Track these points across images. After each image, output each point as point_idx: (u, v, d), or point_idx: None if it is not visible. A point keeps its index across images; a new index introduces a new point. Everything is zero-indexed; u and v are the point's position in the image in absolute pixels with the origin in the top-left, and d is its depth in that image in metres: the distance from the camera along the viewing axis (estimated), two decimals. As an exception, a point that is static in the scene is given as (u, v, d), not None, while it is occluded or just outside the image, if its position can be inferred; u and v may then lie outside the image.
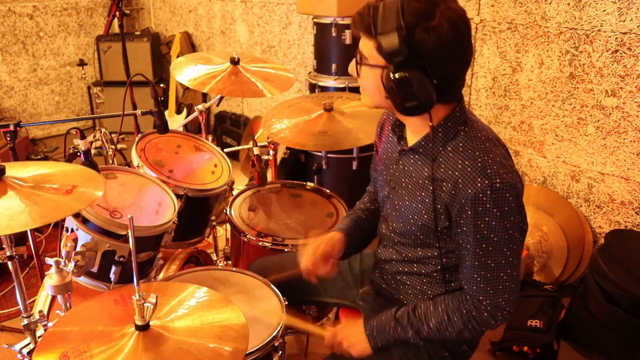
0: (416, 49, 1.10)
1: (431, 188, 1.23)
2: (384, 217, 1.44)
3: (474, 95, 2.87)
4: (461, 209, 1.18)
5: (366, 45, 1.19)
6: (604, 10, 2.28)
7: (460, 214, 1.18)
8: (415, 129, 1.28)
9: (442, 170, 1.21)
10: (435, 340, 1.31)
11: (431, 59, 1.12)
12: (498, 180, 1.14)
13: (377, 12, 1.13)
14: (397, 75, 1.13)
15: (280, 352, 1.39)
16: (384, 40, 1.12)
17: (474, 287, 1.23)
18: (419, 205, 1.27)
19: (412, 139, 1.30)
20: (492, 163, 1.16)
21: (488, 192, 1.14)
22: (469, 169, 1.17)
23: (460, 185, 1.17)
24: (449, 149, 1.21)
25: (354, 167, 2.97)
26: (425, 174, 1.25)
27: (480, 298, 1.23)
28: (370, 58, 1.19)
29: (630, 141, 2.32)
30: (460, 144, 1.21)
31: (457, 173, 1.18)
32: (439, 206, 1.22)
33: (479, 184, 1.14)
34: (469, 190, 1.15)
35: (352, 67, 1.27)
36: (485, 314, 1.24)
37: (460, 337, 1.29)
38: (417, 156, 1.29)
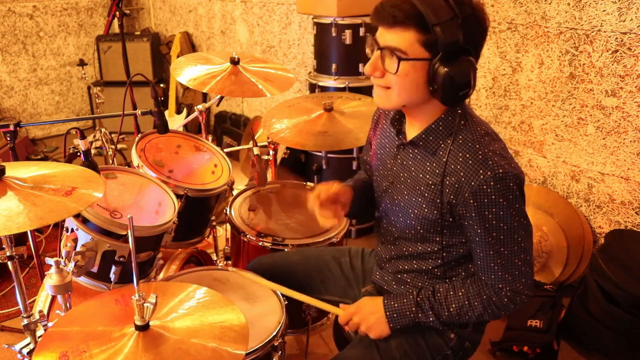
0: (468, 37, 1.11)
1: (431, 182, 1.24)
2: (383, 213, 1.43)
3: (474, 95, 2.87)
4: (466, 202, 1.18)
5: (403, 39, 1.12)
6: (604, 10, 2.28)
7: (466, 206, 1.19)
8: (418, 123, 1.27)
9: (443, 163, 1.22)
10: (455, 323, 1.32)
11: (475, 45, 1.15)
12: (500, 171, 1.15)
13: (421, 1, 1.08)
14: (454, 66, 1.10)
15: (280, 352, 1.39)
16: (441, 31, 1.07)
17: (492, 276, 1.25)
18: (419, 199, 1.27)
19: (411, 132, 1.30)
20: (492, 155, 1.17)
21: (491, 183, 1.14)
22: (470, 162, 1.17)
23: (463, 179, 1.18)
24: (449, 142, 1.22)
25: (354, 167, 2.97)
26: (427, 168, 1.26)
27: (500, 286, 1.25)
28: (411, 52, 1.12)
29: (630, 141, 2.32)
30: (460, 138, 1.21)
31: (458, 166, 1.19)
32: (439, 200, 1.23)
33: (481, 176, 1.15)
34: (472, 183, 1.16)
35: (372, 67, 1.19)
36: (506, 300, 1.25)
37: (480, 320, 1.31)
38: (417, 150, 1.28)
